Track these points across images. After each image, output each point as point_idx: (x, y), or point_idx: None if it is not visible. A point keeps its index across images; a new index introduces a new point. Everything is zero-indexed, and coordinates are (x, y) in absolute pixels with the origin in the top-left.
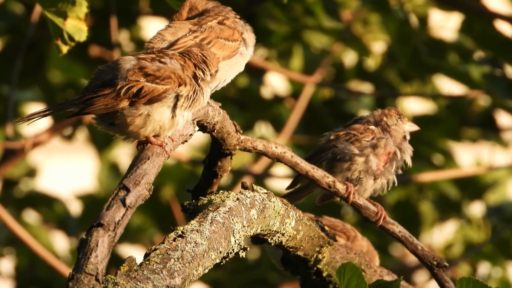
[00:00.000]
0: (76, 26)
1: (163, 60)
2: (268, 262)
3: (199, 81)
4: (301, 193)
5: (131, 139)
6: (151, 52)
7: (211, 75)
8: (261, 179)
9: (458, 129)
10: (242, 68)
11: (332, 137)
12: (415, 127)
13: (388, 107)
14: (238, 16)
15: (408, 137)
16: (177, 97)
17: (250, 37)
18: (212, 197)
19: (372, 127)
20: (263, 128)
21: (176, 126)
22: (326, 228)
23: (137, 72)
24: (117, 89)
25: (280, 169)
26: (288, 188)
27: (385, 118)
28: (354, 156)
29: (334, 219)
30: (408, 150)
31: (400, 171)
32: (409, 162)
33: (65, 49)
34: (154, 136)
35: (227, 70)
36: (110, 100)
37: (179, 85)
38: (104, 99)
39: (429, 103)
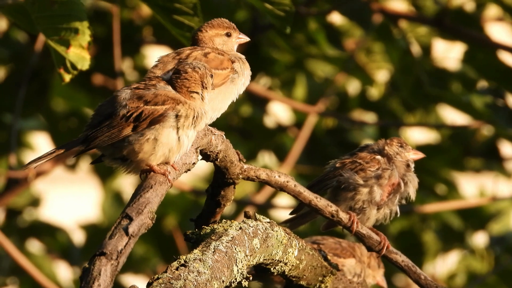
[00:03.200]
0: (79, 55)
1: (153, 86)
2: None
3: (204, 90)
4: (304, 219)
5: (136, 170)
6: (143, 81)
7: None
8: (264, 209)
9: (462, 159)
10: (235, 97)
11: (337, 165)
12: (420, 155)
13: (391, 137)
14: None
15: (412, 166)
16: (176, 116)
17: (243, 66)
18: (215, 226)
19: (378, 157)
20: (266, 158)
21: (182, 148)
22: (329, 256)
23: (136, 100)
24: (119, 117)
25: (283, 199)
26: (291, 213)
27: (386, 148)
28: (359, 186)
29: (327, 241)
30: (413, 182)
31: (403, 201)
32: (413, 195)
33: (67, 77)
34: (159, 164)
35: (222, 98)
36: (113, 129)
37: (177, 104)
38: (107, 129)
39: (432, 133)
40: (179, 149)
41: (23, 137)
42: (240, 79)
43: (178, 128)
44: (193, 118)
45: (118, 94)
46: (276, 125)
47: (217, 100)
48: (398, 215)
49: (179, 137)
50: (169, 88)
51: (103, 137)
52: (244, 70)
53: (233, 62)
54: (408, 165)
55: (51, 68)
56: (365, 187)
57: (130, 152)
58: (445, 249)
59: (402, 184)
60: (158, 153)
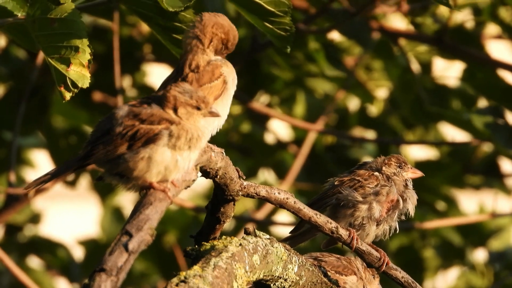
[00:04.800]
0: (79, 73)
1: (149, 105)
2: None
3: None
4: (304, 236)
5: (136, 187)
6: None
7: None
8: (264, 225)
9: (461, 175)
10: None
11: (336, 183)
12: (418, 174)
13: (391, 154)
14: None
15: (410, 185)
16: (170, 136)
17: (230, 70)
18: (215, 242)
19: (377, 173)
20: (266, 174)
21: (178, 168)
22: (329, 273)
23: (132, 118)
24: (115, 135)
25: (283, 216)
26: (291, 232)
27: (384, 168)
28: (358, 203)
29: (329, 258)
30: (412, 199)
31: (403, 217)
32: (412, 212)
33: (68, 95)
34: (159, 182)
35: (224, 105)
36: (109, 147)
37: (171, 124)
38: (103, 146)
39: (432, 150)
40: (176, 168)
41: (22, 154)
42: (230, 84)
43: (172, 148)
44: (186, 139)
45: (116, 111)
46: (276, 142)
47: (219, 107)
48: (398, 231)
49: (173, 157)
50: (158, 107)
51: (99, 154)
52: (232, 71)
53: (221, 67)
54: (406, 185)
55: (51, 85)
56: (364, 204)
57: (126, 169)
58: (445, 265)
59: (401, 201)
60: (153, 170)
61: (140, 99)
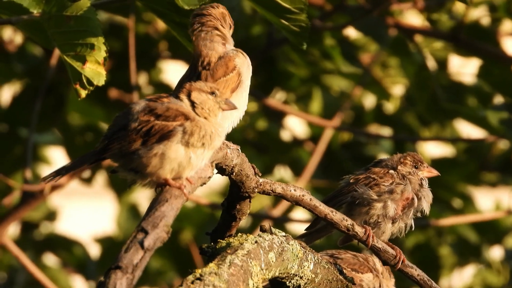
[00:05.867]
0: (94, 70)
1: (167, 99)
2: None
3: (217, 100)
4: (319, 233)
5: (151, 184)
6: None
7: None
8: (280, 222)
9: (477, 173)
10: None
11: (351, 181)
12: (434, 173)
13: (407, 152)
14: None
15: (425, 184)
16: (183, 132)
17: (243, 58)
18: (231, 240)
19: (392, 171)
20: (282, 172)
21: (192, 165)
22: (345, 271)
23: (147, 113)
24: (130, 131)
25: (299, 213)
26: (307, 229)
27: (399, 167)
28: (373, 201)
29: (345, 255)
30: (427, 198)
31: (418, 214)
32: (427, 210)
33: (83, 93)
34: (173, 178)
35: (239, 97)
36: (124, 142)
37: (186, 120)
38: (118, 142)
39: (448, 147)
40: (189, 165)
41: (39, 151)
42: (245, 71)
43: (185, 145)
44: (200, 136)
45: (133, 106)
46: (292, 139)
47: (236, 100)
48: (413, 229)
49: (187, 154)
50: (178, 102)
51: (114, 149)
52: (245, 60)
53: (234, 59)
54: (421, 183)
55: (67, 82)
56: (379, 202)
57: (139, 164)
58: (461, 263)
59: (415, 199)
60: (166, 167)
61: (159, 94)
